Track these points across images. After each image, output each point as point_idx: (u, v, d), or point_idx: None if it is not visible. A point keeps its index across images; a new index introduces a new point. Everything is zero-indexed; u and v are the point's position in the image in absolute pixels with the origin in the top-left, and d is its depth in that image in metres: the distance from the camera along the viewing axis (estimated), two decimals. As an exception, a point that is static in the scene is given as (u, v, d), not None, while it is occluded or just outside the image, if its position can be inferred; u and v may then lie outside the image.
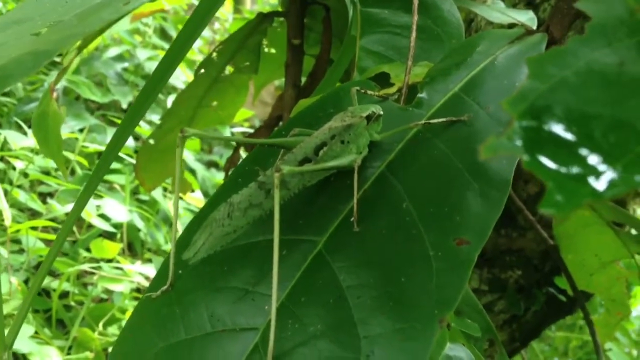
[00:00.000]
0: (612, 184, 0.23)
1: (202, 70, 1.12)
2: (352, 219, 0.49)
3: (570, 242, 0.95)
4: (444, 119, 0.53)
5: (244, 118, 2.76)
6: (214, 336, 0.47)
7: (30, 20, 0.61)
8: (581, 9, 0.30)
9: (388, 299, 0.44)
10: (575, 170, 0.24)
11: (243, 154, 1.71)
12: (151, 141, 1.16)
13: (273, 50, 1.18)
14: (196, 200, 2.29)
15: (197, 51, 3.29)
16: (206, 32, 3.55)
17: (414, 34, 0.63)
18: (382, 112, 0.54)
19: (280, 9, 1.12)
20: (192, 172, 2.58)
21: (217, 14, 3.64)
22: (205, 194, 2.53)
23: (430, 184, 0.50)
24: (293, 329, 0.45)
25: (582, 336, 2.11)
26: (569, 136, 0.25)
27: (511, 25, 0.79)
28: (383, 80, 0.63)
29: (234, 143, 2.71)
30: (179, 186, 0.50)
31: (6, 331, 0.69)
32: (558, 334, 2.09)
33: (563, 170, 0.24)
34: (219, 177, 2.76)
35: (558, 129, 0.25)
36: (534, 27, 0.71)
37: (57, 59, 2.57)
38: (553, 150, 0.25)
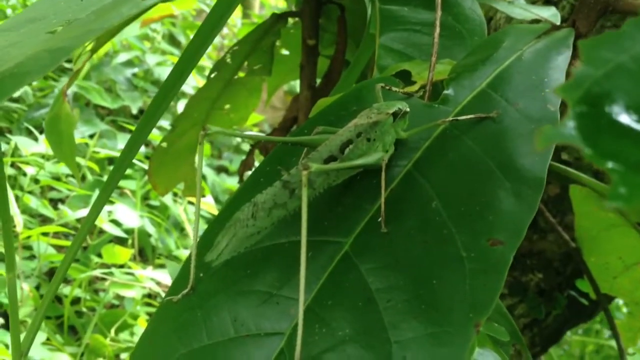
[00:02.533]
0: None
1: (215, 73, 1.11)
2: (379, 219, 0.47)
3: (593, 245, 0.93)
4: (471, 116, 0.51)
5: (253, 122, 2.75)
6: (237, 341, 0.45)
7: (44, 19, 0.60)
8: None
9: (419, 302, 0.43)
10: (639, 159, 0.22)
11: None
12: (164, 144, 1.14)
13: (287, 52, 1.17)
14: (207, 205, 2.28)
15: (206, 56, 3.29)
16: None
17: (437, 30, 0.61)
18: (408, 109, 0.52)
19: (293, 10, 1.11)
20: (203, 177, 2.57)
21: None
22: (215, 199, 2.52)
23: (460, 182, 0.48)
24: (320, 333, 0.44)
25: (598, 340, 2.08)
26: (632, 124, 0.23)
27: (533, 22, 0.77)
28: (403, 78, 0.61)
29: (247, 147, 2.70)
30: (200, 184, 0.49)
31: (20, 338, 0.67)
32: (574, 338, 2.06)
33: (626, 160, 0.22)
34: (229, 182, 2.75)
35: (620, 116, 0.23)
36: (558, 23, 0.70)
37: (68, 65, 2.58)
38: (615, 139, 0.23)
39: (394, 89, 0.56)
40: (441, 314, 0.42)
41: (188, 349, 0.46)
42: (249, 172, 1.18)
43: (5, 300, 1.65)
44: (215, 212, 2.23)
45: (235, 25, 3.72)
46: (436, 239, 0.46)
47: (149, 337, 0.49)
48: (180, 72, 0.62)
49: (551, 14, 0.74)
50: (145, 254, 2.27)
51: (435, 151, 0.51)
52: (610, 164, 0.22)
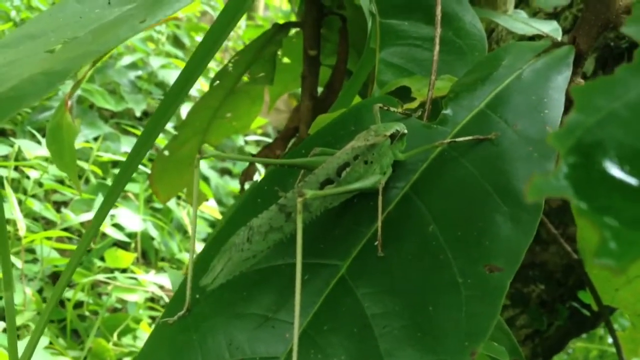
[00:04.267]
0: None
1: (218, 81, 1.10)
2: (376, 243, 0.47)
3: (595, 257, 0.92)
4: (470, 138, 0.51)
5: (257, 126, 2.75)
6: (233, 365, 0.45)
7: (43, 36, 0.59)
8: (629, 35, 0.28)
9: (415, 330, 0.42)
10: (633, 215, 0.22)
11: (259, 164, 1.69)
12: (166, 152, 1.14)
13: (288, 61, 1.17)
14: (210, 209, 2.28)
15: (211, 58, 3.28)
16: (219, 39, 3.54)
17: (437, 47, 0.61)
18: (406, 131, 0.52)
19: (294, 19, 1.10)
20: (206, 180, 2.57)
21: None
22: (219, 202, 2.52)
23: (457, 206, 0.48)
24: (316, 359, 0.44)
25: (601, 346, 2.08)
26: (624, 177, 0.23)
27: (533, 36, 0.77)
28: (403, 94, 0.61)
29: (250, 150, 2.69)
30: (196, 208, 0.49)
31: (20, 343, 0.67)
32: (578, 344, 2.06)
33: (618, 215, 0.22)
34: (232, 184, 2.74)
35: (611, 168, 0.23)
36: (559, 38, 0.69)
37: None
38: (606, 192, 0.23)
39: (392, 109, 0.56)
40: (437, 342, 0.42)
41: (183, 373, 0.46)
42: (251, 181, 1.18)
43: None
44: (218, 216, 2.23)
45: (240, 27, 3.72)
46: (433, 264, 0.45)
47: (145, 359, 0.49)
48: (187, 79, 0.61)
49: (552, 28, 0.74)
50: (149, 257, 2.27)
51: (432, 173, 0.51)
52: (601, 219, 0.22)
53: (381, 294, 0.45)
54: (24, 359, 0.64)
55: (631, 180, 0.22)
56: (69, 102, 0.94)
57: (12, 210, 1.72)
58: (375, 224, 0.48)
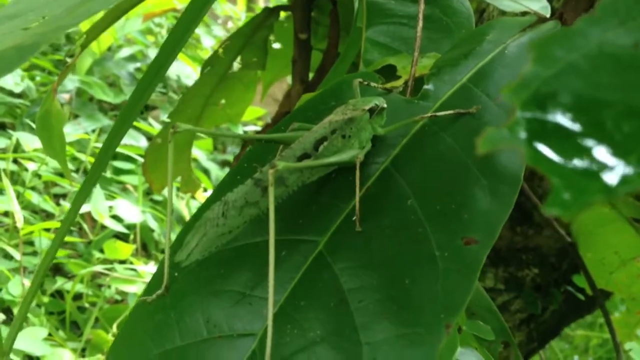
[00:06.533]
0: (625, 179, 0.20)
1: (209, 68, 1.10)
2: (354, 218, 0.47)
3: (589, 240, 0.92)
4: (451, 112, 0.50)
5: (257, 116, 2.74)
6: (210, 342, 0.45)
7: (22, 16, 0.59)
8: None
9: (391, 303, 0.42)
10: (583, 164, 0.21)
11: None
12: (159, 140, 1.14)
13: (280, 46, 1.16)
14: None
15: (210, 50, 3.28)
16: (219, 31, 3.54)
17: (420, 24, 0.60)
18: (385, 105, 0.51)
19: (286, 3, 1.10)
20: (205, 171, 2.56)
21: (230, 13, 3.62)
22: (218, 193, 2.50)
23: (437, 180, 0.48)
24: (292, 334, 0.43)
25: (602, 334, 2.07)
26: (575, 126, 0.22)
27: (524, 14, 0.76)
28: (390, 72, 0.60)
29: (241, 141, 2.69)
30: (172, 184, 0.48)
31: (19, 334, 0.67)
32: (578, 332, 2.05)
33: (570, 164, 0.21)
34: (233, 176, 2.73)
35: (564, 118, 0.22)
36: (548, 16, 0.68)
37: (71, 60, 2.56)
38: (559, 142, 0.22)
39: (372, 84, 0.55)
40: (412, 315, 0.41)
41: (161, 350, 0.46)
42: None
43: (7, 297, 1.66)
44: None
45: (240, 19, 3.71)
46: (411, 238, 0.45)
47: (124, 338, 0.49)
48: (164, 59, 0.61)
49: (541, 6, 0.73)
50: (148, 249, 2.27)
51: (413, 148, 0.50)
52: (553, 168, 0.21)
53: (359, 268, 0.45)
54: (7, 343, 0.64)
55: (581, 130, 0.22)
56: (69, 95, 0.94)
57: (10, 203, 1.72)
58: (353, 199, 0.48)
